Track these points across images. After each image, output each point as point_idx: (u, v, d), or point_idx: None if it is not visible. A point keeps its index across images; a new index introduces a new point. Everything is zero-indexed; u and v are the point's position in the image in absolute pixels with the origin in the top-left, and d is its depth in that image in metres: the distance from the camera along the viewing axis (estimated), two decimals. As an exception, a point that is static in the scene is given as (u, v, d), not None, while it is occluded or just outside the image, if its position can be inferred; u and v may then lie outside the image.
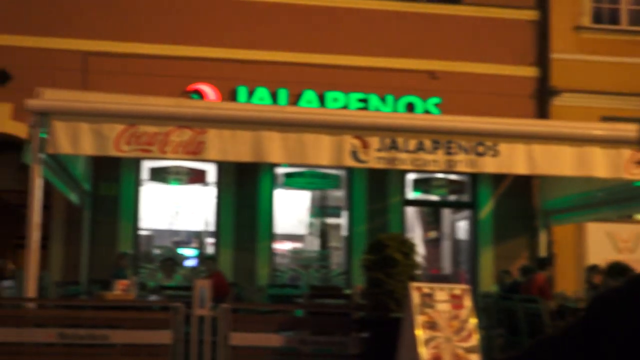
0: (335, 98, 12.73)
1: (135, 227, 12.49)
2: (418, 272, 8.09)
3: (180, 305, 7.63)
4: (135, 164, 12.34)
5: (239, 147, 7.87)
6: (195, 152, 7.81)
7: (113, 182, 12.39)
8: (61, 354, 7.65)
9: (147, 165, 12.59)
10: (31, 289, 7.65)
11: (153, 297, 10.08)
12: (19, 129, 12.47)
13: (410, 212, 14.29)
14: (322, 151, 8.07)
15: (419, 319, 6.87)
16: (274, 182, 12.74)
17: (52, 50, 12.54)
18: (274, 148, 7.95)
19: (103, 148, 7.69)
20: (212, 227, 12.99)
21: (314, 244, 14.11)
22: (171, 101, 8.28)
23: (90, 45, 12.63)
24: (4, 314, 7.86)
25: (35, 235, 7.71)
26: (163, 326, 7.59)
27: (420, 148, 8.33)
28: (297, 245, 14.16)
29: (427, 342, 6.75)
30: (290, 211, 13.87)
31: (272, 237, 12.70)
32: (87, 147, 7.67)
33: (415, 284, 7.11)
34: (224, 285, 10.51)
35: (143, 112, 7.80)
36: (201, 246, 13.62)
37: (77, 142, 7.63)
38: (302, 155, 8.04)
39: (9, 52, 12.50)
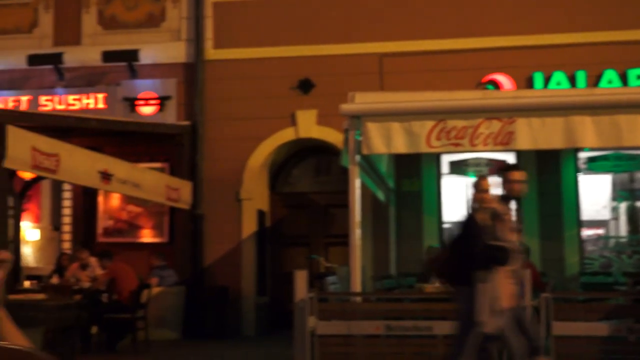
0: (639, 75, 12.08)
1: (439, 220, 12.70)
2: None
3: (501, 296, 7.64)
4: (435, 158, 12.55)
5: (550, 134, 7.73)
6: (505, 142, 7.79)
7: (415, 177, 12.70)
8: (387, 345, 7.99)
9: (446, 159, 12.75)
10: (356, 284, 8.06)
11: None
12: (324, 133, 13.21)
13: None
14: (638, 133, 7.70)
15: None
16: (576, 167, 12.34)
17: (349, 55, 13.13)
18: (587, 132, 7.71)
19: (415, 145, 7.92)
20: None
21: (620, 229, 13.46)
22: (478, 94, 8.34)
23: (385, 47, 13.06)
24: (332, 308, 8.36)
25: (357, 233, 8.12)
26: (484, 317, 7.64)
27: None
28: (601, 231, 13.60)
29: None
30: (594, 196, 13.35)
31: (579, 224, 12.31)
32: (400, 145, 7.94)
33: None
34: (536, 275, 10.36)
35: (451, 107, 7.92)
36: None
37: (390, 141, 7.92)
38: (617, 138, 7.73)
39: (311, 62, 13.28)
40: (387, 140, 7.94)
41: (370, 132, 7.96)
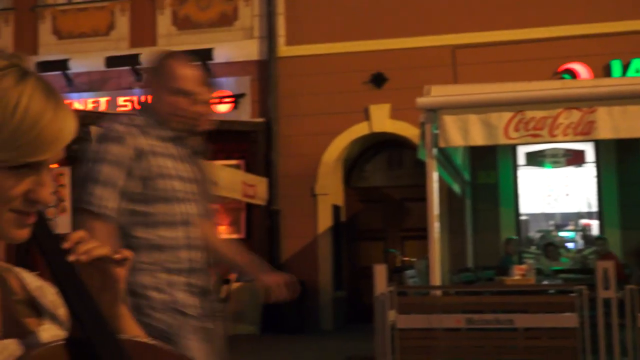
0: None
1: (516, 212, 12.58)
2: None
3: (584, 287, 7.55)
4: (511, 150, 12.44)
5: (632, 122, 7.57)
6: (586, 132, 7.67)
7: (491, 169, 12.60)
8: (468, 339, 7.97)
9: (522, 151, 12.62)
10: (436, 277, 8.06)
11: (545, 282, 10.09)
12: (398, 127, 13.21)
13: None
14: None
15: None
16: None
17: (422, 48, 13.09)
18: (671, 120, 7.55)
19: (493, 137, 7.86)
20: (593, 208, 12.66)
21: None
22: (556, 83, 8.23)
23: (458, 39, 12.98)
24: (412, 302, 8.38)
25: (435, 226, 8.10)
26: (567, 309, 7.56)
27: None
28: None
29: None
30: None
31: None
32: (478, 137, 7.89)
33: None
34: (619, 267, 10.19)
35: (530, 98, 7.83)
36: (580, 228, 13.34)
37: (467, 134, 7.88)
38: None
39: (383, 56, 13.28)
40: (464, 133, 7.90)
41: (446, 125, 7.93)
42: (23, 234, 1.23)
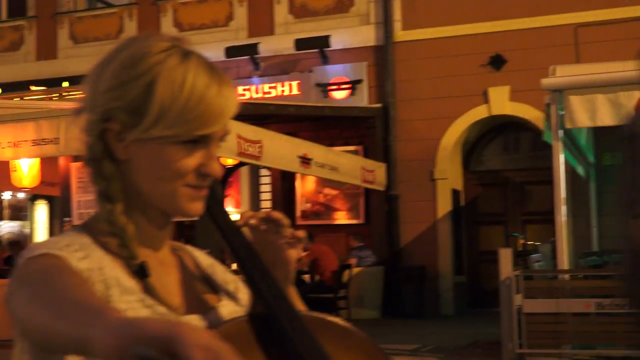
0: None
1: (644, 194, 12.15)
2: None
3: None
4: (638, 130, 12.00)
5: None
6: None
7: (616, 150, 12.20)
8: (598, 324, 7.79)
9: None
10: (563, 261, 7.91)
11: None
12: (518, 110, 12.97)
13: None
14: None
15: None
16: None
17: (542, 28, 12.80)
18: None
19: (622, 117, 7.62)
20: None
21: None
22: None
23: (580, 17, 12.62)
24: (539, 286, 8.25)
25: (562, 210, 7.95)
26: None
27: None
28: None
29: None
30: None
31: None
32: (606, 118, 7.68)
33: None
34: None
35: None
36: None
37: (595, 114, 7.68)
38: None
39: (501, 37, 13.06)
40: (591, 114, 7.70)
41: (573, 106, 7.75)
42: (198, 207, 1.28)
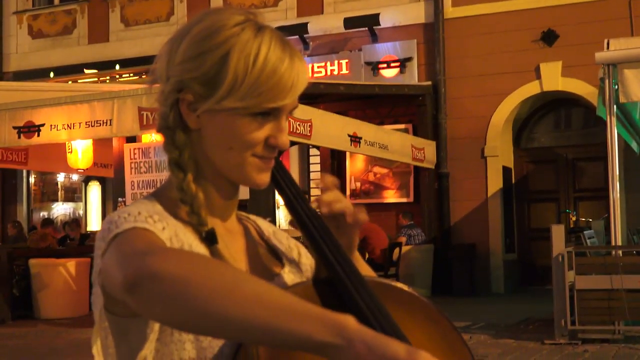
0: None
1: (700, 170, 11.93)
2: None
3: None
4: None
5: None
6: None
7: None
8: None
9: None
10: (617, 237, 7.83)
11: None
12: (570, 85, 12.81)
13: None
14: None
15: None
16: None
17: (595, 2, 12.59)
18: None
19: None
20: None
21: None
22: None
23: (635, -10, 12.38)
24: (592, 262, 8.20)
25: (616, 186, 7.87)
26: None
27: None
28: None
29: None
30: None
31: None
32: (661, 92, 7.56)
33: None
34: None
35: None
36: None
37: (650, 88, 7.56)
38: None
39: (553, 12, 12.89)
40: (647, 87, 7.58)
41: (628, 80, 7.64)
42: (265, 178, 1.31)
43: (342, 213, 1.36)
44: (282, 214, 14.91)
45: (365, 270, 1.43)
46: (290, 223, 1.38)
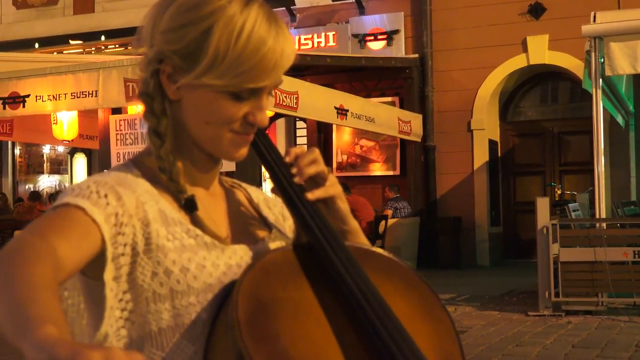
0: None
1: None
2: None
3: None
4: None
5: None
6: None
7: (657, 99, 12.04)
8: (635, 272, 7.78)
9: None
10: (601, 210, 7.88)
11: None
12: (556, 59, 12.81)
13: None
14: None
15: None
16: None
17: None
18: None
19: (664, 64, 7.52)
20: None
21: None
22: None
23: (621, -37, 12.35)
24: (575, 235, 8.25)
25: (601, 160, 7.90)
26: None
27: None
28: None
29: None
30: None
31: None
32: (648, 64, 7.57)
33: None
34: None
35: None
36: None
37: (636, 61, 7.57)
38: None
39: (541, -15, 12.85)
40: (632, 60, 7.60)
41: (613, 53, 7.65)
42: (242, 152, 1.30)
43: (320, 176, 1.34)
44: (269, 187, 14.87)
45: (363, 239, 1.43)
46: (272, 190, 1.37)
